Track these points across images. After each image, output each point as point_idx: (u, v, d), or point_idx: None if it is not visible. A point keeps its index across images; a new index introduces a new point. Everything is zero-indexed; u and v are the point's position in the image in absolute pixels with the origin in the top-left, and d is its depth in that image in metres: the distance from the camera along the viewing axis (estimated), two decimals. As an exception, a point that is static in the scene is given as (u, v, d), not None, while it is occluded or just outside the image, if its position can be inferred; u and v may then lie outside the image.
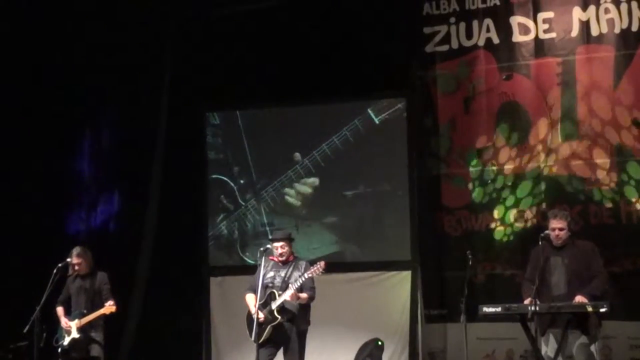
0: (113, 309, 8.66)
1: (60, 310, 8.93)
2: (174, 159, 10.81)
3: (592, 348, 7.39)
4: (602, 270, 7.64)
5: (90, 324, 8.73)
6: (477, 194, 9.92)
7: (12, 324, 8.87)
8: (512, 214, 9.74)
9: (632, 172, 9.30)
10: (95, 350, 8.74)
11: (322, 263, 7.93)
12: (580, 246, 7.63)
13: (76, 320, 8.72)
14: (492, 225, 9.82)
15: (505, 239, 9.74)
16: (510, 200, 9.77)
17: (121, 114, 11.11)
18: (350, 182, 10.33)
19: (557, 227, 7.57)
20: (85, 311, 8.75)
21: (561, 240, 7.55)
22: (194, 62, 10.76)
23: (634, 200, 9.30)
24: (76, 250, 8.95)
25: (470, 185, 9.95)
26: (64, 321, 8.83)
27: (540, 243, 7.57)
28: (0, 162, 10.59)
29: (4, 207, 10.50)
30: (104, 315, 8.71)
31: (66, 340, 8.74)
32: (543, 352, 7.52)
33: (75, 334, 8.72)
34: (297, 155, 10.47)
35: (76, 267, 8.89)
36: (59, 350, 8.78)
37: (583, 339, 7.36)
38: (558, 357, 7.36)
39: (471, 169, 9.96)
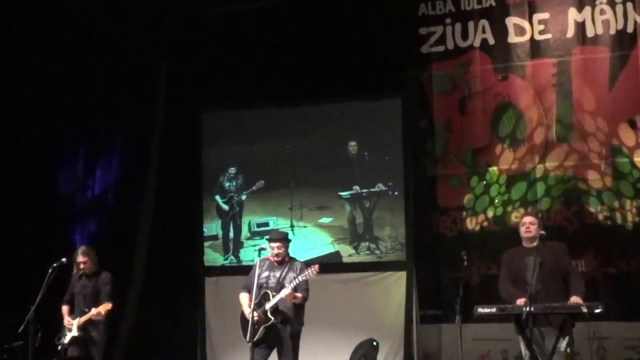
0: (109, 306, 8.58)
1: (65, 309, 8.92)
2: (169, 159, 10.80)
3: (565, 347, 7.40)
4: (576, 269, 7.74)
5: (92, 324, 8.67)
6: (472, 195, 9.93)
7: (7, 324, 8.84)
8: (506, 215, 9.75)
9: (627, 174, 9.32)
10: (93, 351, 8.70)
11: (316, 266, 7.93)
12: (551, 246, 7.72)
13: (77, 319, 8.72)
14: (487, 225, 9.83)
15: (499, 239, 9.74)
16: (504, 201, 9.79)
17: (116, 116, 11.07)
18: (346, 182, 10.33)
19: (527, 221, 7.72)
20: (86, 310, 8.73)
21: (531, 234, 7.64)
22: (191, 62, 10.74)
23: (628, 201, 9.31)
24: (82, 249, 8.96)
25: (465, 186, 9.96)
26: (66, 320, 8.82)
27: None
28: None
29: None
30: (107, 315, 8.64)
31: (67, 338, 8.73)
32: (522, 352, 7.56)
33: (75, 332, 8.71)
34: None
35: (81, 266, 8.86)
36: (59, 347, 8.76)
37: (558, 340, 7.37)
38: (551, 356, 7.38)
39: (467, 169, 9.97)
